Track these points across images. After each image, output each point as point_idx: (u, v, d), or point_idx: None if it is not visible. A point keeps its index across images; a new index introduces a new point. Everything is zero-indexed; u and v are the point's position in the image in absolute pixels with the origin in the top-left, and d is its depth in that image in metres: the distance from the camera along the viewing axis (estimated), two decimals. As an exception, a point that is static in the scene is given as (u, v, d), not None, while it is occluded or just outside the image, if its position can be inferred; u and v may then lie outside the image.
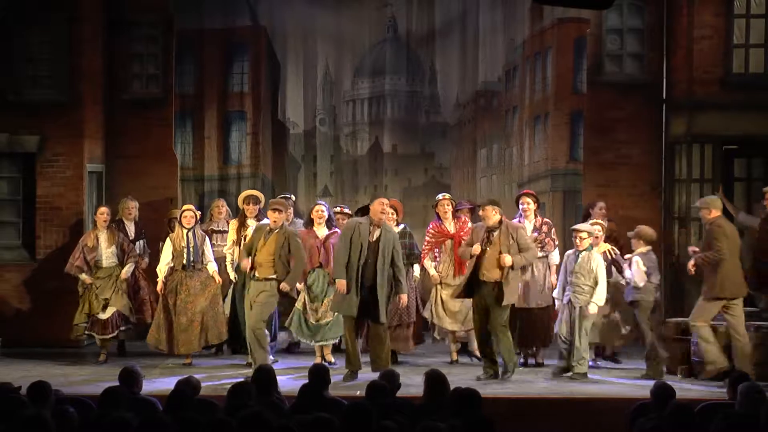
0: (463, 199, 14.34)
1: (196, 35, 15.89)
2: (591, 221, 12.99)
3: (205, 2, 15.95)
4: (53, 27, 14.66)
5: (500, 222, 12.18)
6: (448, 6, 16.03)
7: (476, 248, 12.11)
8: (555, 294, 12.59)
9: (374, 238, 12.12)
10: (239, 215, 13.59)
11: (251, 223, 13.26)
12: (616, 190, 14.61)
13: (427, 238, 13.22)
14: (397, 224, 13.15)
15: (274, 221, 12.45)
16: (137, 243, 13.97)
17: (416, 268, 13.24)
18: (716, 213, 12.23)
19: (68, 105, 14.68)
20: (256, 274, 12.43)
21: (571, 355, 12.21)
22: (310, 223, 13.19)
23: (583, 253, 12.25)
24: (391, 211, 13.08)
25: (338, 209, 13.70)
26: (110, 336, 13.50)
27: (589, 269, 12.19)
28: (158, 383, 11.35)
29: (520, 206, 13.08)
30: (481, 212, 12.33)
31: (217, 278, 13.19)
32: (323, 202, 13.58)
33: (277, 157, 16.20)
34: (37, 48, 14.68)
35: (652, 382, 8.81)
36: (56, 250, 14.61)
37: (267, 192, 14.97)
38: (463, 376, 11.98)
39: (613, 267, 12.74)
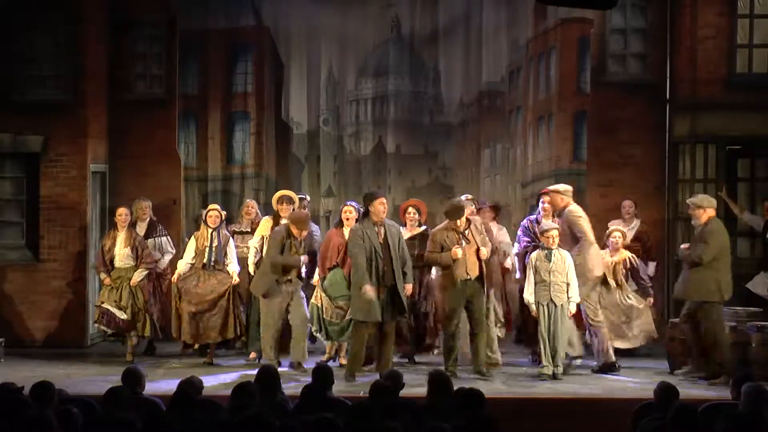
0: (484, 199, 14.35)
1: (199, 35, 15.89)
2: (613, 227, 13.04)
3: (208, 2, 15.95)
4: (56, 27, 14.67)
5: (467, 220, 12.28)
6: (452, 6, 16.03)
7: (456, 252, 12.12)
8: (527, 296, 12.42)
9: (382, 238, 12.14)
10: (273, 215, 13.38)
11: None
12: (620, 190, 14.60)
13: None
14: (420, 225, 13.11)
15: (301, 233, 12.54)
16: (157, 240, 13.92)
17: (434, 271, 13.16)
18: None
19: (72, 105, 14.68)
20: (290, 278, 12.57)
21: (554, 356, 12.25)
22: (340, 222, 13.12)
23: (555, 251, 12.30)
24: (414, 211, 13.06)
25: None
26: (127, 336, 13.55)
27: (564, 268, 12.27)
28: (161, 383, 11.35)
29: (540, 204, 13.09)
30: (449, 222, 12.32)
31: (235, 278, 13.17)
32: (354, 202, 13.39)
33: (281, 157, 16.21)
34: (40, 48, 14.69)
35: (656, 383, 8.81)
36: (60, 251, 14.63)
37: (271, 193, 14.96)
38: (468, 375, 12.03)
39: (630, 274, 12.98)
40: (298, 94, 16.20)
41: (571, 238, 12.46)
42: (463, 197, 13.30)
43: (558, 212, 12.70)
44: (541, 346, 12.28)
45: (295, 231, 12.50)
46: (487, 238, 12.47)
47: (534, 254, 12.43)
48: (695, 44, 14.62)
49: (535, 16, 15.87)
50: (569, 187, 12.83)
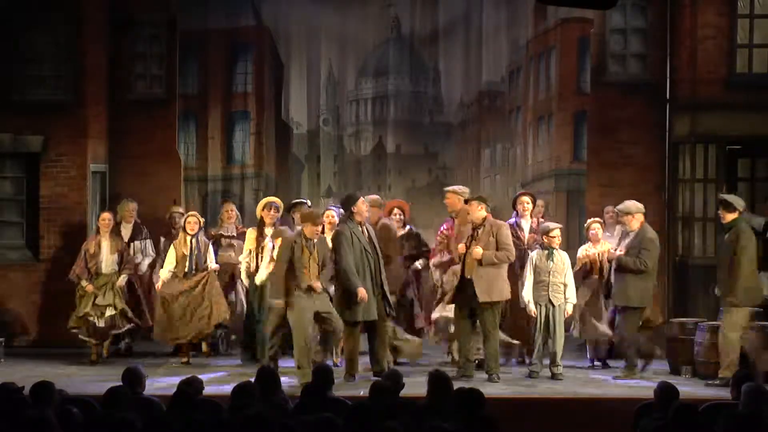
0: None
1: (199, 35, 15.91)
2: (591, 220, 13.11)
3: (208, 2, 15.96)
4: (57, 27, 14.68)
5: (485, 219, 12.15)
6: (452, 6, 16.04)
7: (461, 247, 12.09)
8: (525, 295, 12.43)
9: (367, 237, 12.10)
10: (258, 224, 13.19)
11: (269, 232, 13.00)
12: (620, 191, 14.57)
13: (438, 239, 13.03)
14: (404, 225, 13.09)
15: (317, 233, 12.09)
16: (141, 243, 13.93)
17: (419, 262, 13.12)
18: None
19: (72, 105, 14.69)
20: (314, 286, 11.87)
21: (551, 356, 12.29)
22: (321, 229, 13.08)
23: (555, 252, 12.33)
24: (399, 212, 13.04)
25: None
26: (107, 341, 13.52)
27: (563, 268, 12.31)
28: (161, 383, 11.35)
29: (518, 206, 13.08)
30: (467, 207, 12.29)
31: (213, 266, 13.21)
32: (334, 207, 13.34)
33: (281, 157, 16.22)
34: (40, 48, 14.69)
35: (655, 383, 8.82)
36: (60, 250, 14.63)
37: (270, 192, 14.98)
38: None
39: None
40: (298, 94, 16.21)
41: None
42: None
43: (455, 213, 12.66)
44: (535, 346, 12.33)
45: (306, 230, 11.95)
46: (505, 242, 12.10)
47: (534, 253, 12.43)
48: (695, 44, 14.61)
49: (535, 16, 15.88)
50: (466, 189, 12.86)
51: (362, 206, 12.12)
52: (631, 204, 12.52)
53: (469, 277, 12.04)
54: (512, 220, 13.07)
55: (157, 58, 15.41)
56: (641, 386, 11.63)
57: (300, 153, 16.26)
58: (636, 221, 12.39)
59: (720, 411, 7.67)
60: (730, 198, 12.33)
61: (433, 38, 16.15)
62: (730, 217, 12.16)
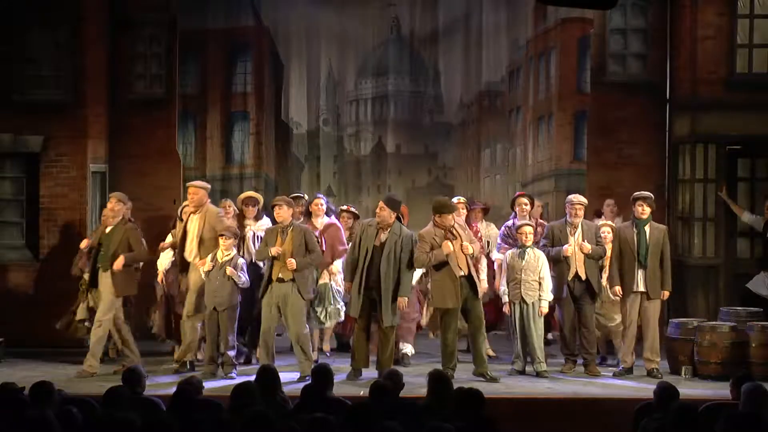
0: (475, 199, 14.43)
1: (199, 35, 15.88)
2: (601, 222, 13.09)
3: (208, 2, 15.94)
4: (57, 27, 14.68)
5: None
6: (452, 6, 16.02)
7: (447, 246, 12.03)
8: (502, 294, 12.58)
9: (379, 243, 12.07)
10: (238, 216, 13.33)
11: (249, 224, 13.11)
12: (620, 190, 14.60)
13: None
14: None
15: (280, 217, 12.27)
16: None
17: (417, 273, 13.10)
18: None
19: (72, 105, 14.69)
20: (280, 276, 12.11)
21: (531, 354, 12.35)
22: (308, 215, 13.17)
23: (529, 250, 12.38)
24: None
25: (345, 207, 13.74)
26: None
27: (536, 266, 12.33)
28: (161, 383, 11.35)
29: (516, 207, 13.14)
30: (437, 218, 12.14)
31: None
32: (321, 195, 13.56)
33: (280, 157, 16.20)
34: (40, 48, 14.70)
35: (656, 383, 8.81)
36: (59, 250, 14.62)
37: (270, 192, 14.97)
38: (466, 375, 12.04)
39: None
40: (298, 94, 16.19)
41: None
42: (455, 199, 13.32)
43: (196, 209, 12.68)
44: (514, 344, 12.42)
45: (275, 214, 12.24)
46: (473, 237, 12.44)
47: (509, 252, 12.52)
48: (695, 44, 14.62)
49: (535, 16, 15.87)
50: (208, 185, 12.98)
51: (378, 211, 12.19)
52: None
53: (464, 274, 12.07)
54: (509, 221, 13.14)
55: (157, 58, 15.44)
56: (641, 386, 11.63)
57: (300, 153, 16.24)
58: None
59: (720, 411, 7.68)
60: (649, 194, 12.56)
61: (433, 38, 16.13)
62: (648, 212, 12.44)
